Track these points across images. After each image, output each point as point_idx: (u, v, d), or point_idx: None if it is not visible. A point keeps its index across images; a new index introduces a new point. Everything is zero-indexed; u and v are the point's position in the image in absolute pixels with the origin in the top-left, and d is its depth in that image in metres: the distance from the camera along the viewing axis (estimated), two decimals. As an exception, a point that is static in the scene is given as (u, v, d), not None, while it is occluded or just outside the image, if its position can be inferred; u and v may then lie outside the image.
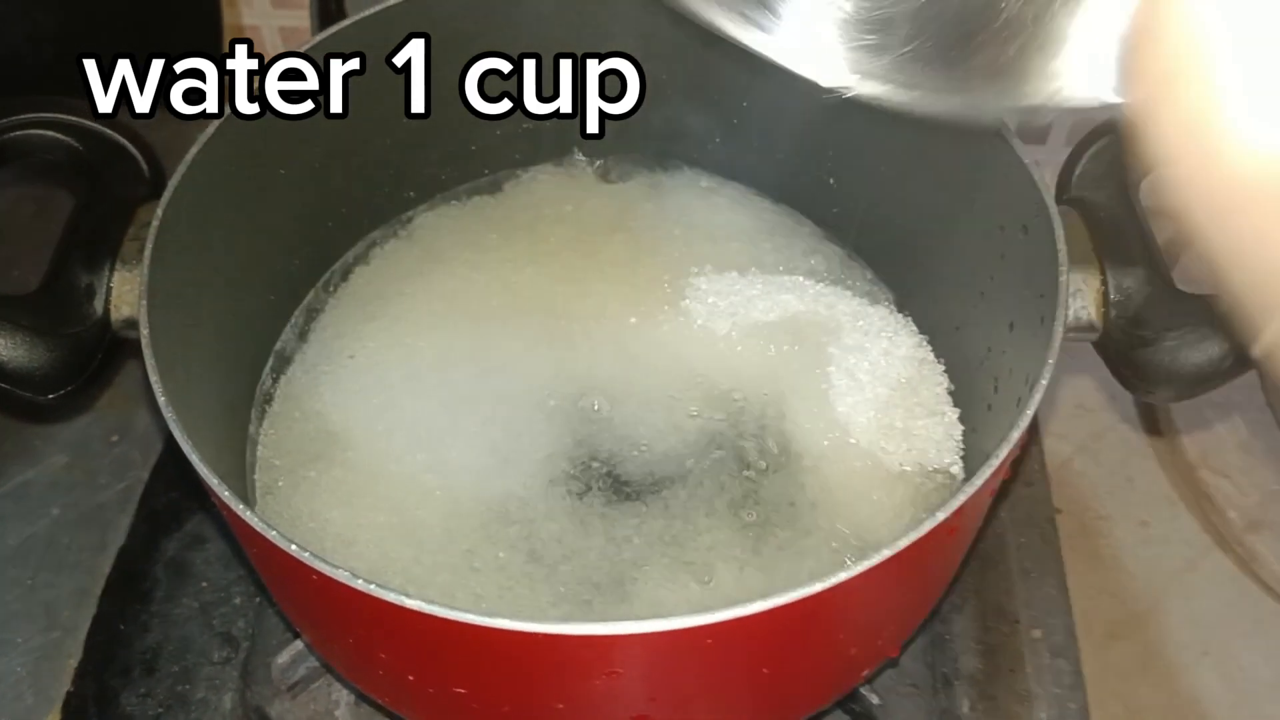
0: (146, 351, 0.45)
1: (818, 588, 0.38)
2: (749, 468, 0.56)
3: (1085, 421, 0.75)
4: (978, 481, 0.41)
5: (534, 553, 0.53)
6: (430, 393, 0.57)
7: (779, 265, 0.63)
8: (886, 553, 0.39)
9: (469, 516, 0.54)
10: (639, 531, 0.54)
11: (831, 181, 0.64)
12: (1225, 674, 0.64)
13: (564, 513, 0.54)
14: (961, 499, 0.41)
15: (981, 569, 0.62)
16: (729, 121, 0.64)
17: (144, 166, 0.53)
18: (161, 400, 0.43)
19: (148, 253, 0.47)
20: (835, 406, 0.56)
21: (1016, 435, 0.42)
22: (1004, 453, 0.42)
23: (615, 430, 0.57)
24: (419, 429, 0.56)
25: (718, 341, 0.59)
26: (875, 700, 0.54)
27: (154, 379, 0.44)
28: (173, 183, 0.50)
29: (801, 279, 0.61)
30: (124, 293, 0.49)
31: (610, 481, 0.56)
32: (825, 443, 0.56)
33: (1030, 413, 0.43)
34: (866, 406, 0.56)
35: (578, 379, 0.58)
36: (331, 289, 0.63)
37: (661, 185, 0.66)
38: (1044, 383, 0.44)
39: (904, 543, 0.39)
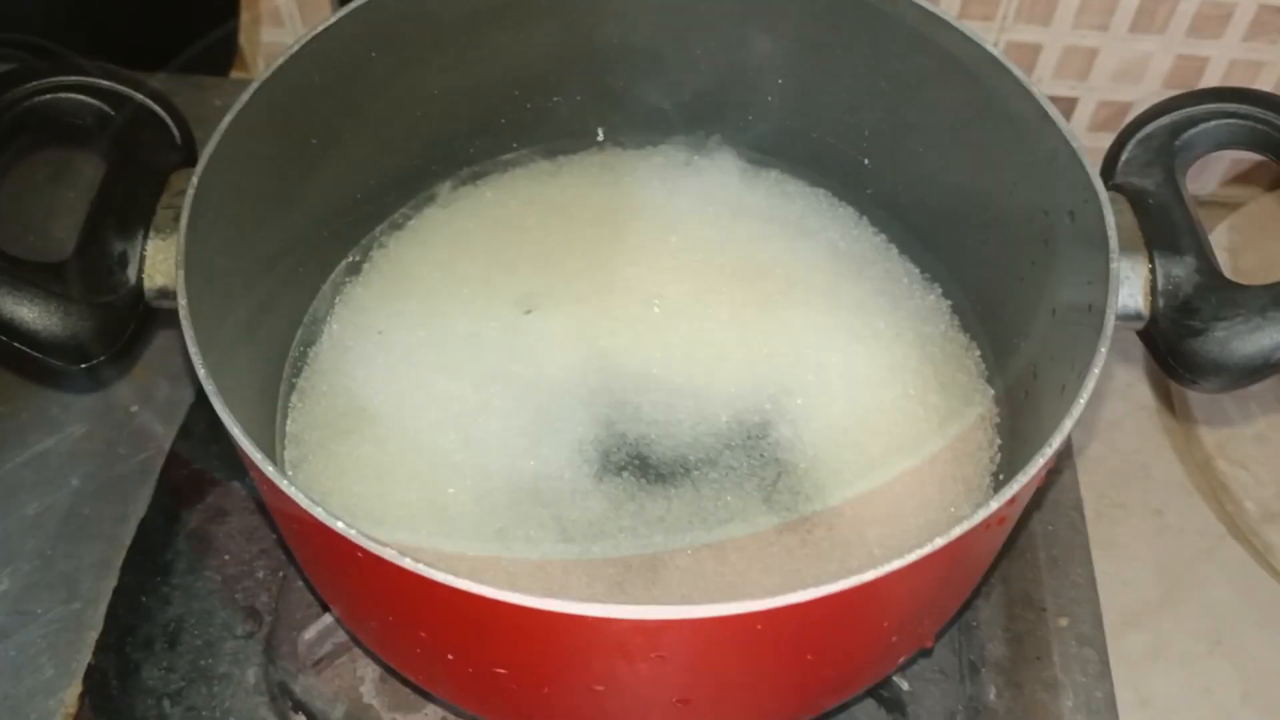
0: (185, 322, 0.44)
1: (870, 576, 0.38)
2: (780, 453, 0.55)
3: (1102, 409, 0.75)
4: (1031, 470, 0.41)
5: (565, 533, 0.52)
6: (460, 371, 0.56)
7: (815, 249, 0.62)
8: (940, 541, 0.38)
9: (500, 495, 0.53)
10: (669, 513, 0.54)
11: (867, 163, 0.63)
12: (1237, 664, 0.64)
13: (594, 494, 0.54)
14: (1015, 488, 0.40)
15: (1009, 556, 0.62)
16: (764, 99, 0.63)
17: (175, 133, 0.52)
18: (202, 373, 0.43)
19: (184, 221, 0.46)
20: (869, 393, 0.56)
21: (1069, 424, 0.42)
22: (1056, 442, 0.41)
23: (645, 415, 0.56)
24: (450, 407, 0.55)
25: (749, 326, 0.59)
26: (905, 686, 0.54)
27: (193, 350, 0.43)
28: (208, 150, 0.49)
29: (838, 264, 0.61)
30: (158, 261, 0.48)
31: (640, 464, 0.55)
32: (860, 429, 0.55)
33: (1084, 401, 0.42)
34: (901, 392, 0.55)
35: (608, 363, 0.57)
36: (360, 264, 0.62)
37: (696, 166, 0.65)
38: (1096, 371, 0.43)
39: (957, 532, 0.39)
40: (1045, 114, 0.50)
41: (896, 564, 0.38)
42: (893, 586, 0.38)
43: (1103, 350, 0.44)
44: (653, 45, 0.62)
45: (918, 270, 0.62)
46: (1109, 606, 0.64)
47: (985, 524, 0.40)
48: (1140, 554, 0.69)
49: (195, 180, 0.48)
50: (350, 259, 0.62)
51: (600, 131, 0.67)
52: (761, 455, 0.56)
